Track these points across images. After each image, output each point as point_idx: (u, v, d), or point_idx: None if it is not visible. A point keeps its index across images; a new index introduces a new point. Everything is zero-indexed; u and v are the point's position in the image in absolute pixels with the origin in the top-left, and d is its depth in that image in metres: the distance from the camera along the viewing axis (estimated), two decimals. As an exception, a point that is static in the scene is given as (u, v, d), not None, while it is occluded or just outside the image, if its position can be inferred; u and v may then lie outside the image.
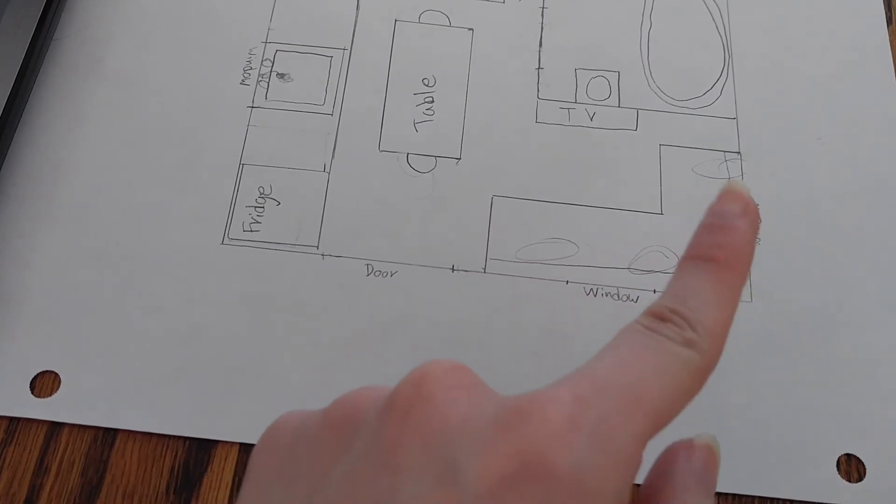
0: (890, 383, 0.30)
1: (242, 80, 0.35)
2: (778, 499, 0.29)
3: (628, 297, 0.32)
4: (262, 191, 0.33)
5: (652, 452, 0.20)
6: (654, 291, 0.32)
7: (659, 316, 0.20)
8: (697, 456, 0.21)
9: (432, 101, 0.35)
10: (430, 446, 0.17)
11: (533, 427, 0.17)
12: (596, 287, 0.32)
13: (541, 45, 0.37)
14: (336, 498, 0.17)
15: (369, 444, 0.18)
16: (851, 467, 0.29)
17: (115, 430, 0.29)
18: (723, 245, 0.21)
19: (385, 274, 0.32)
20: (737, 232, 0.21)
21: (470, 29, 0.37)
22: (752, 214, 0.22)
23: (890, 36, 0.38)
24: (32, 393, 0.29)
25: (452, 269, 0.32)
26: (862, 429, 0.30)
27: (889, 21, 0.38)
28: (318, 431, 0.19)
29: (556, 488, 0.16)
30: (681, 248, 0.32)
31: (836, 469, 0.29)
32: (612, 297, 0.32)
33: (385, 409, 0.18)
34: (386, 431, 0.18)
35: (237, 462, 0.29)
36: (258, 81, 0.35)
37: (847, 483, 0.29)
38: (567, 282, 0.32)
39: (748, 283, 0.32)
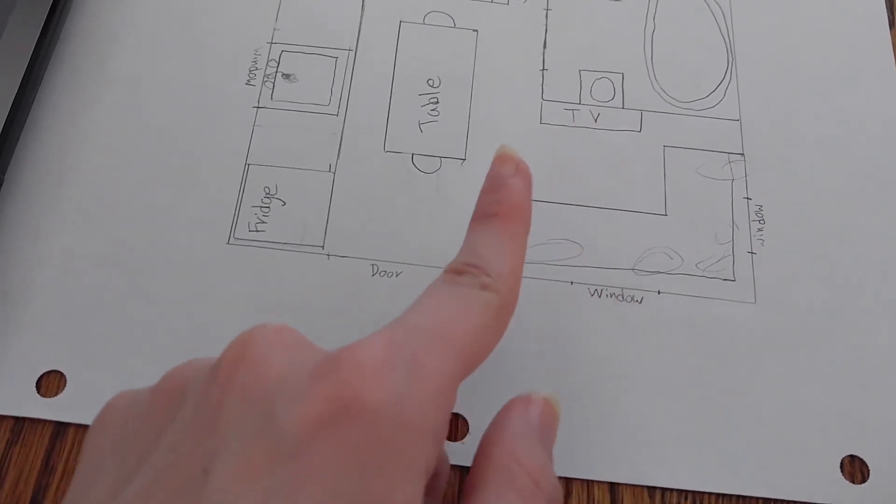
0: (894, 384, 0.31)
1: (248, 81, 0.35)
2: (781, 500, 0.29)
3: (633, 298, 0.32)
4: (267, 191, 0.33)
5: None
6: (659, 293, 0.32)
7: (456, 271, 0.22)
8: (534, 408, 0.22)
9: (437, 102, 0.35)
10: (250, 403, 0.17)
11: (346, 371, 0.17)
12: (601, 288, 0.32)
13: (545, 46, 0.37)
14: (162, 465, 0.17)
15: (194, 410, 0.18)
16: (855, 469, 0.29)
17: (121, 430, 0.29)
18: (502, 201, 0.24)
19: (391, 274, 0.32)
20: (513, 188, 0.25)
21: (474, 30, 0.37)
22: (523, 172, 0.26)
23: (892, 38, 0.38)
24: (38, 392, 0.29)
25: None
26: (866, 430, 0.30)
27: (891, 24, 0.38)
28: (147, 405, 0.19)
29: (373, 423, 0.17)
30: (685, 249, 0.33)
31: (839, 470, 0.29)
32: (616, 297, 0.32)
33: (210, 375, 0.18)
34: (210, 396, 0.18)
35: (243, 462, 0.29)
36: (263, 82, 0.35)
37: (850, 484, 0.29)
38: (572, 282, 0.32)
39: (751, 284, 0.32)
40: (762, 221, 0.33)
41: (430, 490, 0.19)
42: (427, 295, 0.21)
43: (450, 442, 0.29)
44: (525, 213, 0.25)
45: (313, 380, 0.17)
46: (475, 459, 0.21)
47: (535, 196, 0.33)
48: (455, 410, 0.29)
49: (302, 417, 0.17)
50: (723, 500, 0.29)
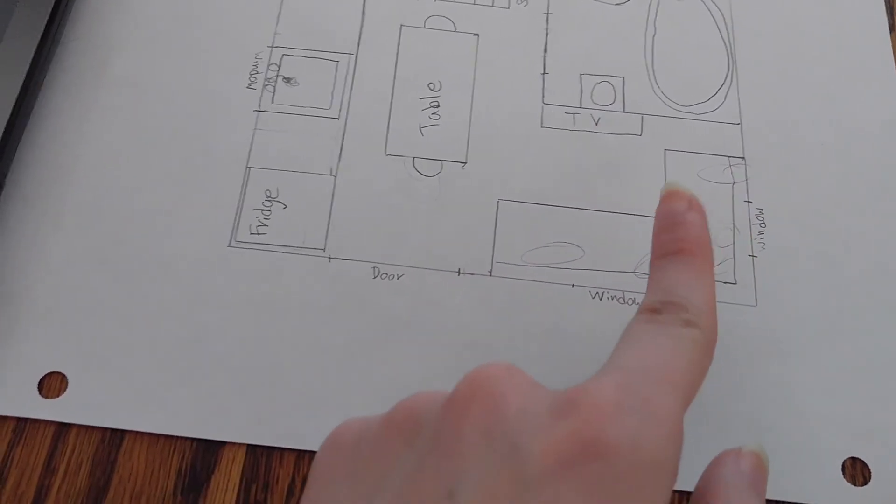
0: (893, 388, 0.31)
1: (249, 84, 0.36)
2: (782, 502, 0.29)
3: (634, 301, 0.32)
4: (268, 194, 0.33)
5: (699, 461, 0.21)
6: (660, 295, 0.32)
7: (653, 310, 0.22)
8: (746, 460, 0.22)
9: (438, 106, 0.35)
10: (490, 433, 0.18)
11: (586, 412, 0.18)
12: (602, 290, 0.32)
13: (546, 50, 0.37)
14: (403, 489, 0.18)
15: (432, 438, 0.19)
16: (857, 471, 0.29)
17: (123, 432, 0.29)
18: (684, 238, 0.24)
19: (392, 277, 0.32)
20: (692, 224, 0.24)
21: (475, 34, 0.37)
22: (696, 207, 0.25)
23: (892, 42, 0.38)
24: (40, 393, 0.29)
25: (459, 273, 0.32)
26: (867, 432, 0.30)
27: (891, 28, 0.38)
28: (381, 431, 0.20)
29: (615, 461, 0.17)
30: (686, 252, 0.32)
31: (841, 472, 0.29)
32: (618, 300, 0.32)
33: (445, 406, 0.19)
34: (447, 425, 0.18)
35: (244, 463, 0.29)
36: (265, 85, 0.36)
37: (852, 486, 0.29)
38: (573, 285, 0.32)
39: (752, 287, 0.32)
40: (763, 225, 0.33)
41: None
42: (632, 337, 0.21)
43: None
44: (709, 247, 0.24)
45: (555, 417, 0.18)
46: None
47: (535, 199, 0.33)
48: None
49: (546, 450, 0.17)
50: (724, 502, 0.29)
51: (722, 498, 0.21)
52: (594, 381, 0.19)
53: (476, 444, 0.18)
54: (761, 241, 0.33)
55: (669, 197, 0.25)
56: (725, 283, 0.32)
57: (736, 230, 0.33)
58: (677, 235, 0.24)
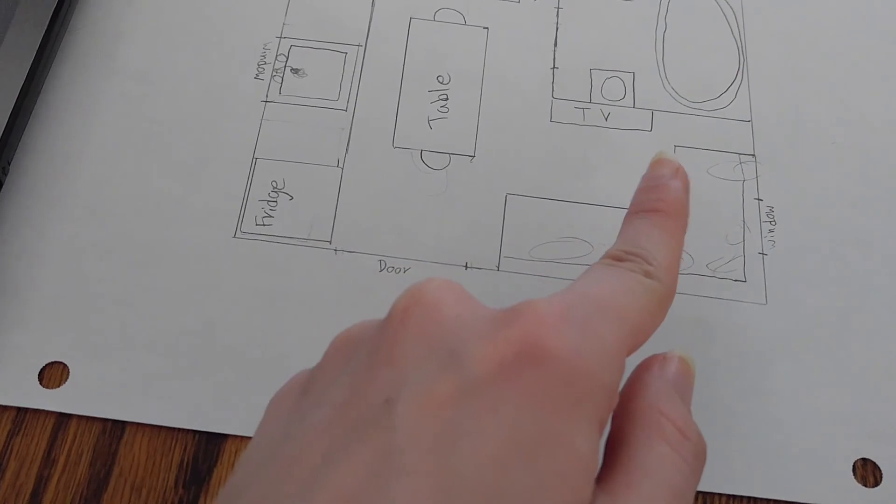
0: (905, 388, 0.30)
1: (257, 75, 0.35)
2: (792, 502, 0.28)
3: (643, 298, 0.31)
4: (275, 185, 0.33)
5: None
6: (669, 292, 0.31)
7: (617, 257, 0.22)
8: (671, 365, 0.22)
9: (447, 99, 0.35)
10: (428, 340, 0.18)
11: (528, 320, 0.18)
12: (610, 286, 0.31)
13: (556, 44, 0.36)
14: (340, 401, 0.18)
15: (371, 351, 0.19)
16: (868, 472, 0.29)
17: (124, 423, 0.29)
18: (662, 199, 0.24)
19: (398, 270, 0.32)
20: (672, 189, 0.25)
21: (485, 28, 0.37)
22: (681, 175, 0.26)
23: (904, 42, 0.38)
24: (41, 384, 0.29)
25: (466, 267, 0.32)
26: (878, 433, 0.29)
27: (903, 28, 0.38)
28: (322, 362, 0.20)
29: (553, 368, 0.17)
30: (694, 248, 0.32)
31: (852, 473, 0.29)
32: (626, 296, 0.31)
33: (383, 322, 0.19)
34: (385, 335, 0.19)
35: (247, 456, 0.28)
36: (272, 76, 0.35)
37: (863, 488, 0.29)
38: (581, 281, 0.32)
39: (763, 285, 0.32)
40: (773, 223, 0.33)
41: None
42: (589, 273, 0.22)
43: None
44: (685, 213, 0.25)
45: (497, 324, 0.18)
46: (615, 416, 0.21)
47: (543, 194, 0.33)
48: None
49: (487, 357, 0.17)
50: (734, 501, 0.28)
51: (649, 400, 0.20)
52: (543, 298, 0.19)
53: (413, 351, 0.18)
54: (771, 238, 0.33)
55: (657, 164, 0.26)
56: (735, 280, 0.32)
57: (746, 228, 0.33)
58: (656, 196, 0.25)
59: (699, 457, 0.20)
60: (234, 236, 0.32)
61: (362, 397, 0.18)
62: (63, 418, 0.29)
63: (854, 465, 0.29)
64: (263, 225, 0.32)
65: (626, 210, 0.33)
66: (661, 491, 0.19)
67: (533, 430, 0.17)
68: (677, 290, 0.31)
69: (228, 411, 0.29)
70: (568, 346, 0.18)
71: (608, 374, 0.18)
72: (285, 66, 0.35)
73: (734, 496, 0.28)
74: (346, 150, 0.34)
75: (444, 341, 0.18)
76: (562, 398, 0.17)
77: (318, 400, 0.19)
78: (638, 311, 0.20)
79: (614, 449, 0.20)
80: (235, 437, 0.29)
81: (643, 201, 0.25)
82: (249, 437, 0.29)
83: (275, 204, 0.33)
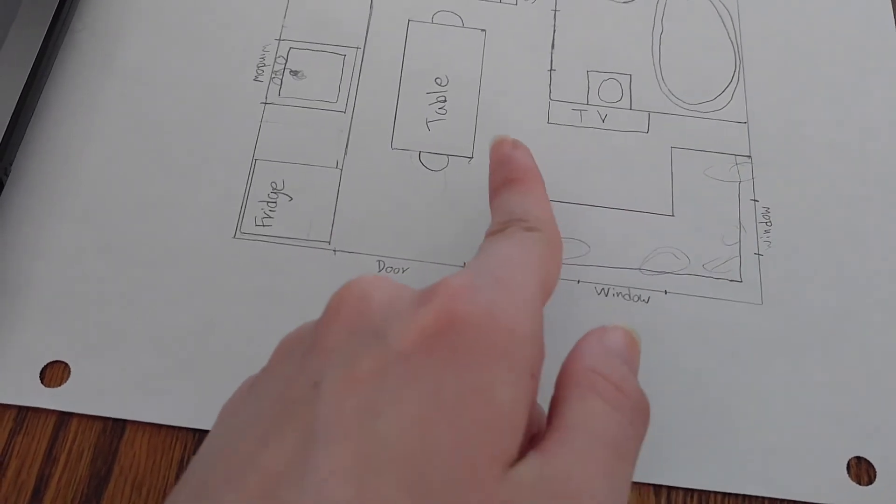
0: (899, 387, 0.30)
1: (256, 77, 0.35)
2: (787, 500, 0.29)
3: (639, 298, 0.32)
4: (274, 186, 0.33)
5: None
6: (665, 292, 0.32)
7: (499, 229, 0.24)
8: (613, 333, 0.23)
9: (445, 101, 0.35)
10: (357, 328, 0.19)
11: (442, 295, 0.19)
12: (607, 287, 0.32)
13: (553, 46, 0.37)
14: (277, 393, 0.19)
15: (307, 346, 0.20)
16: (862, 470, 0.29)
17: (125, 421, 0.29)
18: (513, 169, 0.27)
19: (396, 270, 0.32)
20: (517, 158, 0.27)
21: (482, 30, 0.37)
22: (520, 146, 0.28)
23: (899, 44, 0.38)
24: (42, 382, 0.29)
25: (464, 267, 0.32)
26: (872, 432, 0.30)
27: (899, 29, 0.38)
28: (269, 363, 0.22)
29: (471, 331, 0.19)
30: (692, 249, 0.33)
31: (846, 471, 0.29)
32: (623, 296, 0.32)
33: (319, 318, 0.21)
34: (319, 330, 0.20)
35: (247, 455, 0.29)
36: (272, 78, 0.35)
37: (857, 486, 0.29)
38: (578, 281, 0.32)
39: (758, 286, 0.32)
40: (769, 223, 0.33)
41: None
42: (483, 247, 0.23)
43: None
44: (536, 173, 0.27)
45: (415, 306, 0.19)
46: (556, 384, 0.21)
47: (542, 194, 0.33)
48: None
49: (406, 331, 0.18)
50: (729, 499, 0.29)
51: (585, 363, 0.21)
52: (452, 274, 0.20)
53: (342, 340, 0.19)
54: (767, 239, 0.33)
55: (496, 145, 0.28)
56: (731, 281, 0.32)
57: (742, 228, 0.33)
58: (507, 169, 0.27)
59: (639, 412, 0.20)
60: (234, 236, 0.32)
61: (294, 386, 0.19)
62: (64, 417, 0.29)
63: (848, 464, 0.29)
64: (263, 225, 0.32)
65: (623, 211, 0.33)
66: (596, 443, 0.19)
67: (454, 389, 0.18)
68: (674, 291, 0.32)
69: (228, 410, 0.29)
70: (480, 309, 0.19)
71: (525, 325, 0.20)
72: (284, 68, 0.36)
73: (729, 494, 0.29)
74: (345, 151, 0.34)
75: (369, 325, 0.19)
76: (481, 355, 0.18)
77: (258, 395, 0.20)
78: (537, 260, 0.22)
79: (551, 412, 0.20)
80: (235, 435, 0.29)
81: (497, 179, 0.27)
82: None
83: (274, 205, 0.33)
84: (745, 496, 0.29)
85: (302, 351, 0.20)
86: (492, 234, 0.24)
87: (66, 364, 0.30)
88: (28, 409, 0.29)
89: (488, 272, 0.21)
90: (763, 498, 0.29)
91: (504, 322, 0.19)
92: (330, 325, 0.20)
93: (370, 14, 0.37)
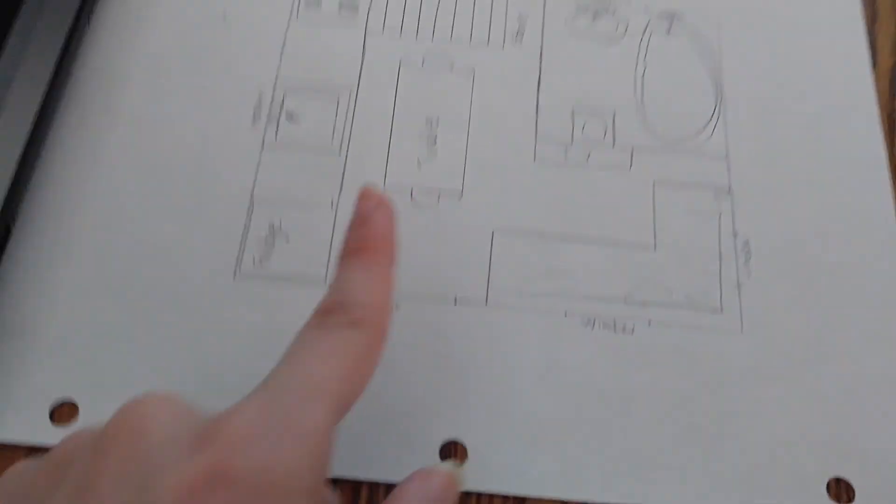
0: (877, 409, 0.32)
1: (253, 121, 0.37)
2: (771, 523, 0.30)
3: (625, 329, 0.33)
4: (272, 226, 0.34)
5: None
6: (650, 323, 0.33)
7: (325, 310, 0.23)
8: (436, 479, 0.23)
9: (435, 141, 0.37)
10: (128, 471, 0.19)
11: (219, 443, 0.19)
12: (594, 318, 0.33)
13: (539, 87, 0.38)
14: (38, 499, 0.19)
15: (75, 479, 0.19)
16: (841, 490, 0.30)
17: (131, 458, 0.30)
18: (367, 236, 0.26)
19: (391, 306, 0.33)
20: (376, 222, 0.26)
21: (471, 72, 0.38)
22: (385, 206, 0.27)
23: (874, 78, 0.39)
24: (52, 421, 0.30)
25: (455, 302, 0.33)
26: (851, 453, 0.31)
27: (874, 64, 0.40)
28: (36, 474, 0.21)
29: (244, 489, 0.18)
30: (674, 281, 0.34)
31: (826, 492, 0.30)
32: (609, 328, 0.33)
33: (94, 444, 0.20)
34: (90, 465, 0.19)
35: (248, 488, 0.30)
36: (268, 121, 0.37)
37: (836, 506, 0.30)
38: (566, 313, 0.33)
39: (738, 315, 0.33)
40: (749, 255, 0.35)
41: None
42: (297, 344, 0.23)
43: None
44: (389, 244, 0.27)
45: (191, 451, 0.18)
46: None
47: (529, 230, 0.35)
48: (453, 436, 0.30)
49: (174, 485, 0.18)
50: (712, 523, 0.30)
51: None
52: (239, 406, 0.20)
53: (112, 484, 0.18)
54: (747, 270, 0.34)
55: (361, 197, 0.27)
56: (713, 310, 0.33)
57: (722, 259, 0.34)
58: (362, 233, 0.26)
59: None
60: (234, 277, 0.33)
61: None
62: (73, 454, 0.30)
63: (828, 484, 0.30)
64: (262, 266, 0.34)
65: (607, 244, 0.34)
66: None
67: None
68: (658, 321, 0.33)
69: (230, 445, 0.30)
70: (255, 465, 0.18)
71: (304, 479, 0.19)
72: (281, 112, 0.37)
73: (713, 518, 0.30)
74: (340, 190, 0.35)
75: (140, 471, 0.18)
76: None
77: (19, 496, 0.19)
78: (345, 377, 0.22)
79: None
80: (237, 469, 0.30)
81: (351, 240, 0.26)
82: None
83: (272, 245, 0.34)
84: (728, 520, 0.30)
85: (71, 482, 0.19)
86: (318, 315, 0.24)
87: (75, 403, 0.31)
88: (38, 447, 0.30)
89: (280, 408, 0.20)
90: (746, 521, 0.30)
91: (281, 479, 0.19)
92: (102, 462, 0.19)
93: (362, 58, 0.39)
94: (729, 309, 0.33)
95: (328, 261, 0.34)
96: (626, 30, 0.40)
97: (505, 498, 0.30)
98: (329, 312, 0.23)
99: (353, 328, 0.23)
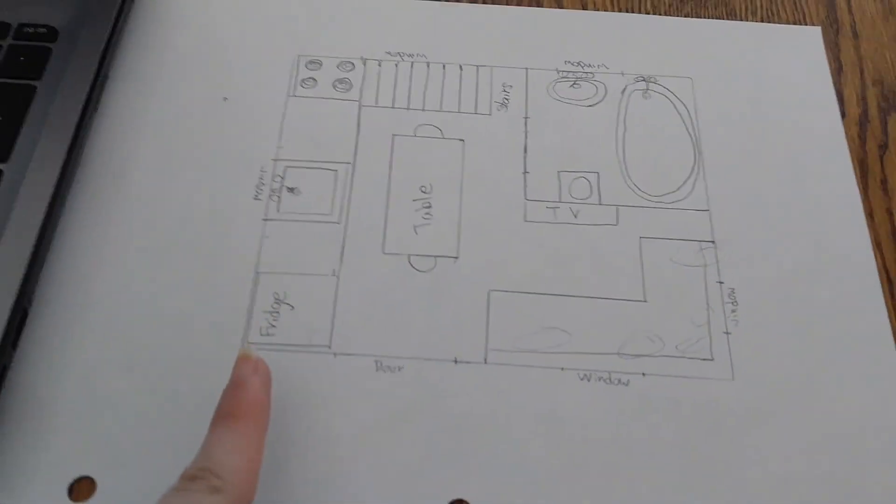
0: (869, 448, 0.33)
1: (256, 195, 0.39)
2: (771, 566, 0.31)
3: (619, 381, 0.34)
4: (277, 297, 0.36)
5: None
6: (643, 374, 0.34)
7: (190, 477, 0.25)
8: None
9: (430, 206, 0.38)
10: None
11: None
12: (590, 372, 0.34)
13: (525, 150, 0.40)
14: None
15: None
16: (836, 532, 0.31)
17: (149, 529, 0.31)
18: (239, 402, 0.28)
19: (393, 369, 0.34)
20: (251, 388, 0.28)
21: (461, 139, 0.40)
22: (261, 371, 0.29)
23: (844, 128, 0.41)
24: (70, 497, 0.31)
25: (455, 362, 0.35)
26: (843, 494, 0.32)
27: (843, 115, 0.42)
28: None
29: None
30: (665, 332, 0.35)
31: (822, 534, 0.31)
32: (605, 381, 0.34)
33: None
34: None
35: (263, 554, 0.31)
36: (270, 195, 0.39)
37: (834, 547, 0.31)
38: (563, 368, 0.34)
39: (728, 362, 0.35)
40: (735, 303, 0.36)
41: None
42: None
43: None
44: (260, 410, 0.28)
45: None
46: None
47: (523, 289, 0.36)
48: (459, 495, 0.31)
49: None
50: (714, 568, 0.31)
51: None
52: None
53: None
54: (734, 318, 0.36)
55: (240, 361, 0.30)
56: (703, 359, 0.35)
57: (710, 309, 0.36)
58: (235, 399, 0.28)
59: None
60: (242, 348, 0.35)
61: None
62: (92, 529, 0.31)
63: (824, 527, 0.31)
64: (268, 335, 0.35)
65: (598, 299, 0.36)
66: None
67: None
68: (651, 372, 0.34)
69: (244, 512, 0.31)
70: None
71: None
72: (282, 186, 0.39)
73: (715, 563, 0.31)
74: (341, 259, 0.37)
75: None
76: None
77: None
78: None
79: None
80: (251, 535, 0.31)
81: (224, 404, 0.28)
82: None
83: (277, 314, 0.36)
84: (729, 564, 0.31)
85: None
86: (183, 480, 0.25)
87: (93, 479, 0.32)
88: (58, 523, 0.31)
89: None
90: (747, 565, 0.31)
91: None
92: None
93: (358, 132, 0.41)
94: (719, 357, 0.35)
95: (331, 327, 0.35)
96: (604, 95, 0.42)
97: (512, 552, 0.31)
98: (193, 479, 0.25)
99: (215, 494, 0.24)
